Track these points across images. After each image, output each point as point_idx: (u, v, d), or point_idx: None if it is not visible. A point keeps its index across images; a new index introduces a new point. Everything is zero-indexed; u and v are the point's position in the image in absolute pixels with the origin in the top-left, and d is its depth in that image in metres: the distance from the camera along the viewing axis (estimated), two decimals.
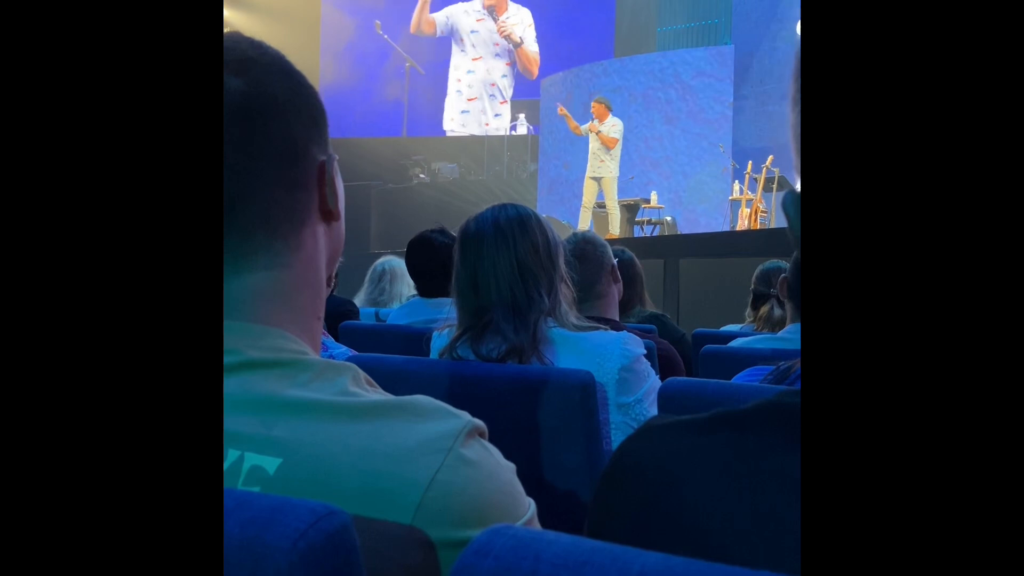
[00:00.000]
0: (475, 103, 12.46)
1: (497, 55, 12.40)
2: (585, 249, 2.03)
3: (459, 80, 12.48)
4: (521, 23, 12.29)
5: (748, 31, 10.37)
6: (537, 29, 12.32)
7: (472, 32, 12.40)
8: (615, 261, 2.10)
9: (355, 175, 10.44)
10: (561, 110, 8.70)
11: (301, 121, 0.63)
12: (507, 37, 12.20)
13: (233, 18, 11.61)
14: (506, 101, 12.41)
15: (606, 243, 2.13)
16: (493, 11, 12.24)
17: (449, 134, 12.48)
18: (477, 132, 12.41)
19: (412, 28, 12.31)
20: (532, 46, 12.29)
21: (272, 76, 0.62)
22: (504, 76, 12.44)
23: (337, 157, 0.67)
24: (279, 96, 0.61)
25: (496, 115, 12.43)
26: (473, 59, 12.41)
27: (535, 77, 12.20)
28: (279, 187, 0.61)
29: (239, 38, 0.63)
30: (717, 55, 10.07)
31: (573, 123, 8.54)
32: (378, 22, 12.23)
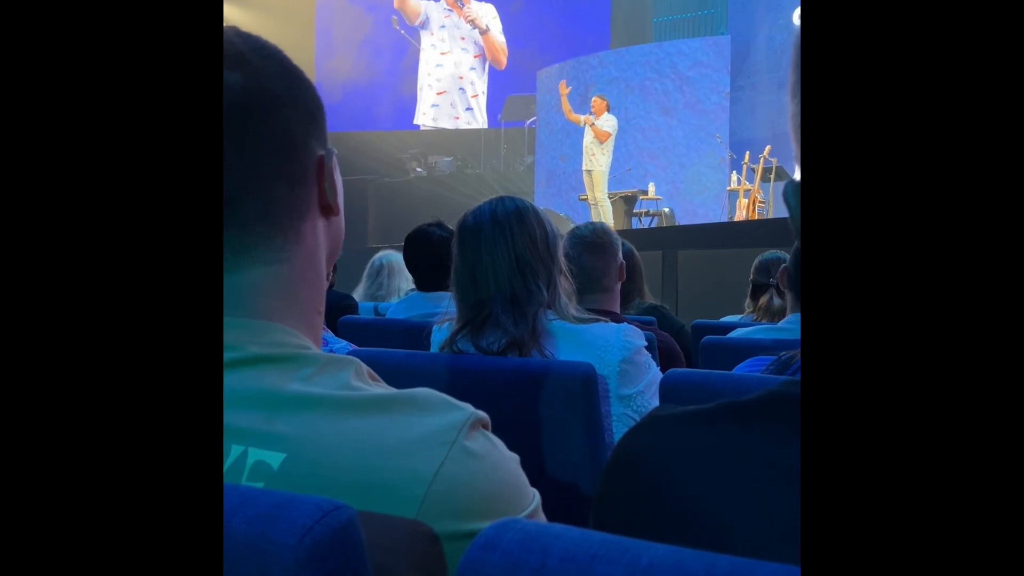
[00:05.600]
0: (444, 97, 12.57)
1: (464, 49, 12.51)
2: (602, 240, 1.99)
3: (428, 74, 12.62)
4: (486, 15, 12.39)
5: (744, 21, 10.36)
6: (532, 21, 12.36)
7: (441, 27, 12.51)
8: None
9: (351, 169, 10.43)
10: (563, 88, 8.57)
11: (299, 115, 0.63)
12: (472, 22, 12.25)
13: (228, 13, 11.59)
14: (478, 95, 12.52)
15: (620, 238, 2.09)
16: (459, 0, 12.32)
17: (421, 128, 12.62)
18: (448, 126, 12.54)
19: (396, 4, 12.39)
20: (499, 36, 12.40)
21: (270, 71, 0.61)
22: (472, 69, 12.55)
23: (336, 152, 0.67)
24: (277, 90, 0.61)
25: (467, 108, 12.55)
26: (442, 53, 12.52)
27: (503, 67, 12.38)
28: (278, 181, 0.61)
29: (236, 33, 0.63)
30: (714, 45, 10.05)
31: (568, 107, 8.43)
32: (395, 17, 12.29)
